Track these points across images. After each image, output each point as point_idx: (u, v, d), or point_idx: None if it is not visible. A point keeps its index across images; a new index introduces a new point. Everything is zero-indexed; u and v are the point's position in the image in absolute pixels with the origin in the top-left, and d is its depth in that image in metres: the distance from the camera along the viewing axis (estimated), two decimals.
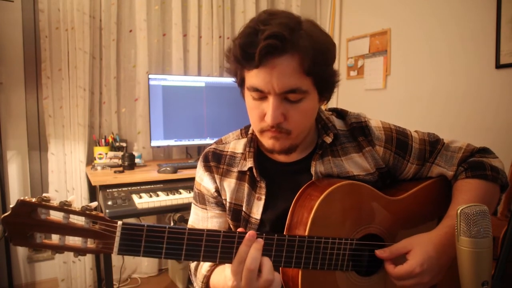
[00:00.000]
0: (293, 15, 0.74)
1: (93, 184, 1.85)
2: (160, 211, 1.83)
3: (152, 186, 1.88)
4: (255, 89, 0.74)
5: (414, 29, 2.24)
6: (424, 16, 2.17)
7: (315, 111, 0.82)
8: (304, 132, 0.81)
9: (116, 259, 2.28)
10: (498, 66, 1.82)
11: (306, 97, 0.75)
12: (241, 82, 0.81)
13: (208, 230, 0.70)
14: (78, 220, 0.65)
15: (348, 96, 2.75)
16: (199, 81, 2.31)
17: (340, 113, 0.93)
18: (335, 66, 0.81)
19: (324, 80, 0.76)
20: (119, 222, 0.66)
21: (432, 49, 2.14)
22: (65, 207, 0.64)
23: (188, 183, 1.90)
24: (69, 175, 2.14)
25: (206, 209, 0.93)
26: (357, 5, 2.65)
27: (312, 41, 0.70)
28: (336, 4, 2.76)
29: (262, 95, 0.75)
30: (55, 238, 0.65)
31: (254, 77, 0.74)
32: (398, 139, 0.89)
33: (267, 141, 0.80)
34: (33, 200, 0.63)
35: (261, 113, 0.76)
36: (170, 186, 1.89)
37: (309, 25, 0.74)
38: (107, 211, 1.60)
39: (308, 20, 0.76)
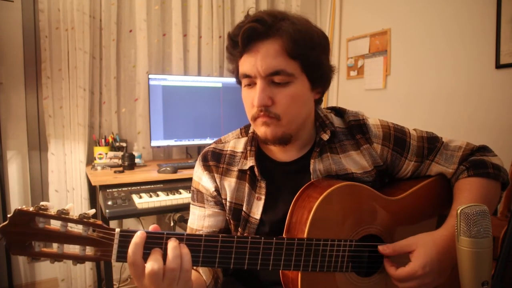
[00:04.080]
0: (282, 10, 0.78)
1: (93, 184, 1.85)
2: (160, 211, 1.83)
3: (152, 186, 1.88)
4: (244, 75, 0.78)
5: (414, 29, 2.24)
6: (424, 16, 2.17)
7: (307, 100, 0.82)
8: (296, 120, 0.81)
9: None
10: (498, 66, 1.82)
11: (293, 81, 0.77)
12: (237, 77, 0.83)
13: (206, 235, 0.70)
14: (77, 228, 0.65)
15: (348, 96, 2.75)
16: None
17: (339, 111, 0.94)
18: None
19: (312, 65, 0.78)
20: (117, 230, 0.66)
21: (432, 49, 2.14)
22: (62, 216, 0.64)
23: (188, 183, 1.90)
24: (69, 175, 2.14)
25: (204, 207, 0.92)
26: (357, 5, 2.65)
27: (295, 26, 0.74)
28: (336, 4, 2.76)
29: (251, 81, 0.78)
30: (53, 246, 0.65)
31: (242, 64, 0.78)
32: (395, 136, 0.90)
33: (259, 129, 0.81)
34: (31, 209, 0.63)
35: (252, 101, 0.78)
36: (170, 186, 1.89)
37: (297, 17, 0.77)
38: (107, 211, 1.60)
39: (300, 16, 0.79)
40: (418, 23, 2.21)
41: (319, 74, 0.80)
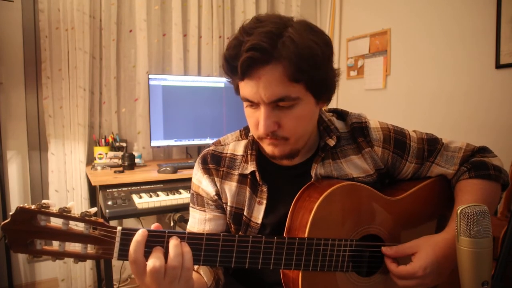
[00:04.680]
0: (281, 20, 0.72)
1: (93, 184, 1.85)
2: (160, 211, 1.83)
3: (152, 186, 1.88)
4: (246, 99, 0.75)
5: (414, 29, 2.24)
6: (424, 16, 2.17)
7: (313, 115, 0.80)
8: (304, 137, 0.80)
9: None
10: (498, 66, 1.82)
11: (299, 103, 0.73)
12: (237, 90, 0.80)
13: (207, 234, 0.70)
14: (78, 226, 0.65)
15: (348, 96, 2.75)
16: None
17: (341, 114, 0.93)
18: (335, 64, 0.80)
19: (317, 83, 0.74)
20: (119, 228, 0.65)
21: (432, 49, 2.14)
22: (64, 214, 0.64)
23: (188, 183, 1.88)
24: (69, 175, 2.14)
25: (204, 211, 0.91)
26: (357, 5, 2.65)
27: (296, 47, 0.68)
28: (336, 4, 2.76)
29: (254, 104, 0.75)
30: (55, 244, 0.65)
31: (243, 88, 0.74)
32: (396, 138, 0.89)
33: (267, 147, 0.80)
34: (33, 207, 0.63)
35: (256, 121, 0.76)
36: (170, 186, 1.89)
37: (297, 28, 0.71)
38: (107, 211, 1.60)
39: (299, 21, 0.74)
40: (418, 23, 2.21)
41: (325, 88, 0.77)
